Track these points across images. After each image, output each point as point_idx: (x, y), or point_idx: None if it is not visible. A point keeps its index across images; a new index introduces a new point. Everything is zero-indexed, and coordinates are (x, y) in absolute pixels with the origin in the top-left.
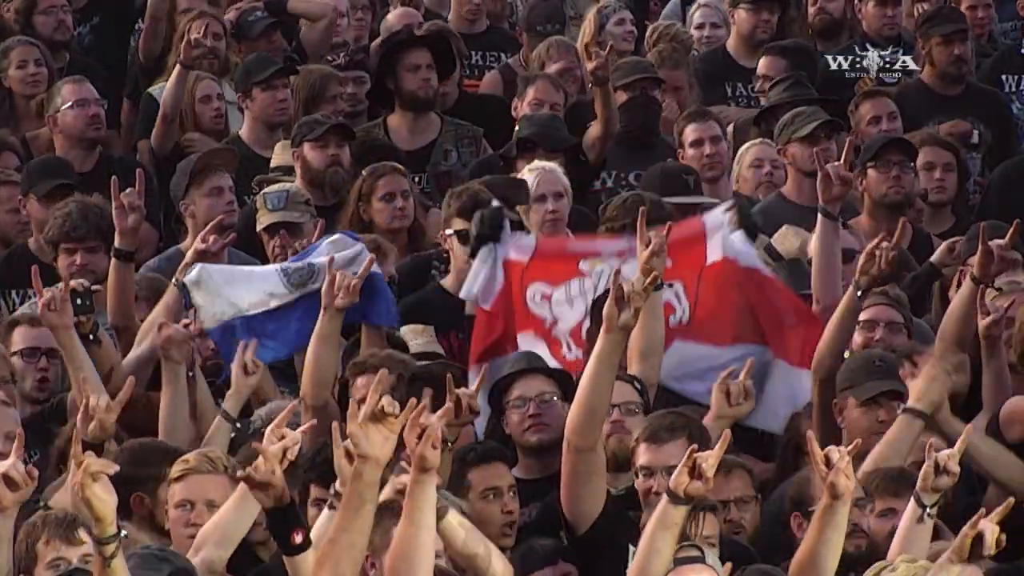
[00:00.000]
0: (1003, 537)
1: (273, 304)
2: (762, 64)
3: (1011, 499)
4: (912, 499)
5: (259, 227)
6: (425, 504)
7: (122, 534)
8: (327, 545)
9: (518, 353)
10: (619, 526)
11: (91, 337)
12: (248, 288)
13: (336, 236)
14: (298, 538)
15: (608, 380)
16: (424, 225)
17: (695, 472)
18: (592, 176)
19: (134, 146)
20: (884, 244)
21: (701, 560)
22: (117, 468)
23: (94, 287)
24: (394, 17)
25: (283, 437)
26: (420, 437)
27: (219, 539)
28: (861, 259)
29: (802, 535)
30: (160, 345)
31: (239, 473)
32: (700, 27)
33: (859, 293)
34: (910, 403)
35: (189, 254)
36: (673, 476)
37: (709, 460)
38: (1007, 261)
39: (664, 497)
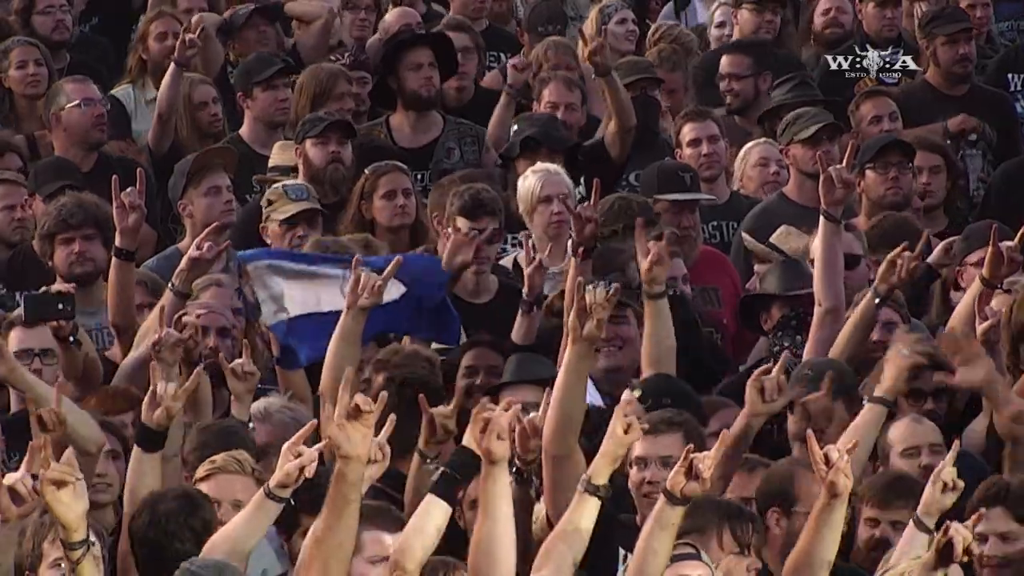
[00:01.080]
0: (974, 545)
1: (323, 308)
2: (724, 62)
3: (983, 510)
4: (912, 523)
5: (280, 218)
6: (498, 496)
7: (91, 539)
8: (313, 547)
9: (515, 358)
10: (608, 530)
11: (71, 340)
12: (304, 290)
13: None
14: None
15: (579, 389)
16: (426, 223)
17: (692, 473)
18: (615, 176)
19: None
20: (906, 253)
21: (696, 557)
22: (81, 477)
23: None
24: (392, 17)
25: (300, 454)
26: (484, 431)
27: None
28: (882, 267)
29: (779, 530)
30: (151, 347)
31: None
32: (720, 25)
33: (876, 300)
34: (876, 392)
35: (184, 260)
36: (670, 476)
37: (706, 461)
38: (1016, 263)
39: (661, 497)
